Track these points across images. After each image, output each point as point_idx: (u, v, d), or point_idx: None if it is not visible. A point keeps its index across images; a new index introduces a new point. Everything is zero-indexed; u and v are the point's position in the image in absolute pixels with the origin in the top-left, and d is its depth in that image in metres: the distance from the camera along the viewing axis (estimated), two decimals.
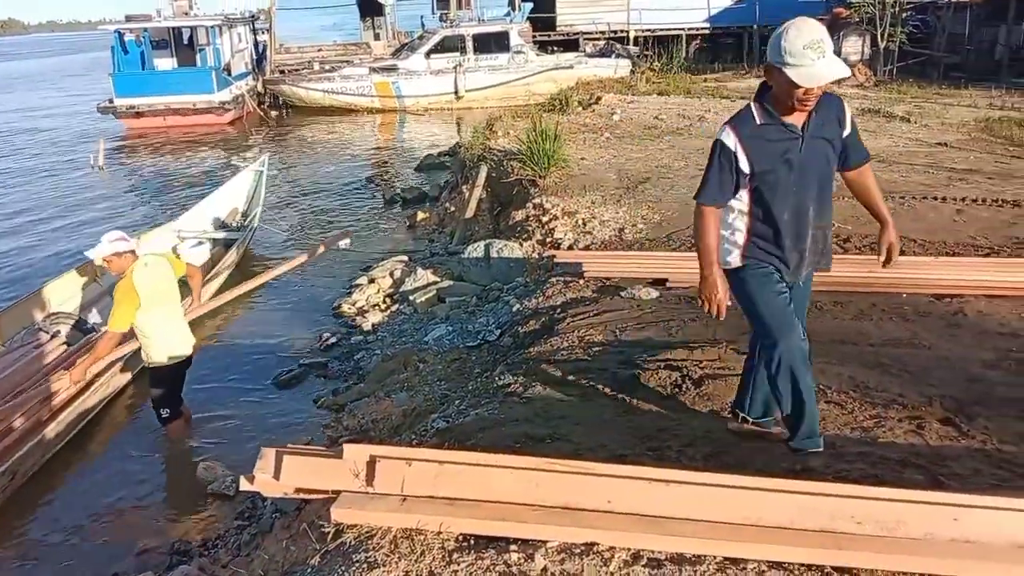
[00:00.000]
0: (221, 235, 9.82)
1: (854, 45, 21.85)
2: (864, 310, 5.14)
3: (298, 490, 2.96)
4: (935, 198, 7.88)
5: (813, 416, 3.22)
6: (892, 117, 13.25)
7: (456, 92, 22.95)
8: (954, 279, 5.60)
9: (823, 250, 3.29)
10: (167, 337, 5.54)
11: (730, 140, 3.03)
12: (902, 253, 6.21)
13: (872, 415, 3.67)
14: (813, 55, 2.80)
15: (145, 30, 23.74)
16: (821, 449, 3.26)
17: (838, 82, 19.96)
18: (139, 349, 5.74)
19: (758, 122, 3.02)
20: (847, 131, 3.13)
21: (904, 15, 21.32)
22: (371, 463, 2.91)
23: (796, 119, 2.99)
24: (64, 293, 7.45)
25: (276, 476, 2.95)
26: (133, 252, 5.44)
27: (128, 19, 24.22)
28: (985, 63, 20.70)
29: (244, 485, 3.08)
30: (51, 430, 5.47)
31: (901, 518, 2.36)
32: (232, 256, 9.05)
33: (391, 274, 8.67)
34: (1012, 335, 4.69)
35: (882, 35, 20.96)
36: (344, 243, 10.32)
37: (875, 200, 3.34)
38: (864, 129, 12.35)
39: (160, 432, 5.80)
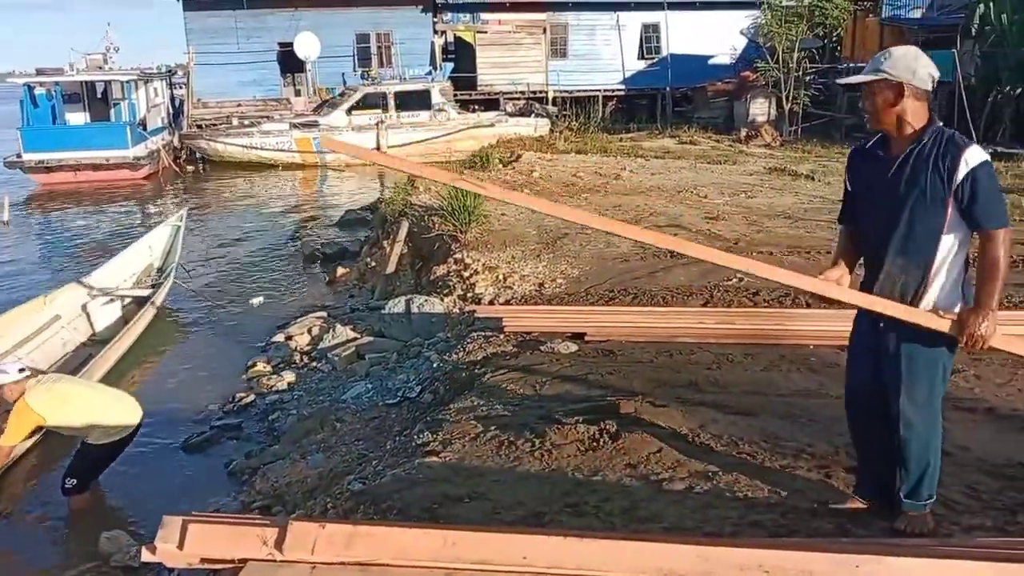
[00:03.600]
0: (134, 292, 9.52)
1: (761, 107, 22.96)
2: (774, 361, 5.29)
3: (203, 560, 2.84)
4: None
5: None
6: (797, 175, 13.87)
7: (378, 148, 23.02)
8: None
9: None
10: (101, 418, 5.38)
11: None
12: (808, 306, 6.50)
13: (783, 465, 3.75)
14: None
15: (57, 84, 23.15)
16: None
17: (746, 140, 20.79)
18: None
19: None
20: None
21: (807, 79, 22.51)
22: (282, 528, 2.82)
23: None
24: None
25: (180, 546, 2.82)
26: (22, 380, 5.25)
27: (39, 72, 23.61)
28: None
29: (146, 556, 2.93)
30: None
31: (807, 568, 2.40)
32: (147, 313, 8.76)
33: (309, 331, 8.52)
34: None
35: (787, 97, 22.07)
36: (256, 301, 10.15)
37: None
38: (771, 187, 12.96)
39: (60, 501, 5.50)
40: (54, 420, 5.25)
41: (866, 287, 2.98)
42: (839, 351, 5.44)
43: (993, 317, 2.73)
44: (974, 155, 2.71)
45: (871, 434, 3.15)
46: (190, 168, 23.48)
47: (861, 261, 3.13)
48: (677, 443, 4.00)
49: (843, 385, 4.82)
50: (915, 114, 2.81)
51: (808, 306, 6.51)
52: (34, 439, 6.05)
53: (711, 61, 29.78)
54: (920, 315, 2.85)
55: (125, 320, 8.77)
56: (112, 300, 9.13)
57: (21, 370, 5.29)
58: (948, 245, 2.80)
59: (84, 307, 8.73)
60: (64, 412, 5.29)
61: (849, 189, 3.17)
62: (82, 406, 5.39)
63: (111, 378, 7.35)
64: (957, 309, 2.86)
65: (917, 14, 25.32)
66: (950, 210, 2.75)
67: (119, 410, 5.54)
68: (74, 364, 7.76)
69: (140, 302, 9.23)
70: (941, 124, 2.85)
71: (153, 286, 9.75)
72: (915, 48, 2.93)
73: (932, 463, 2.98)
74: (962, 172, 2.70)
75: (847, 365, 3.28)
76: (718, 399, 4.61)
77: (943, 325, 2.82)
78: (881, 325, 2.96)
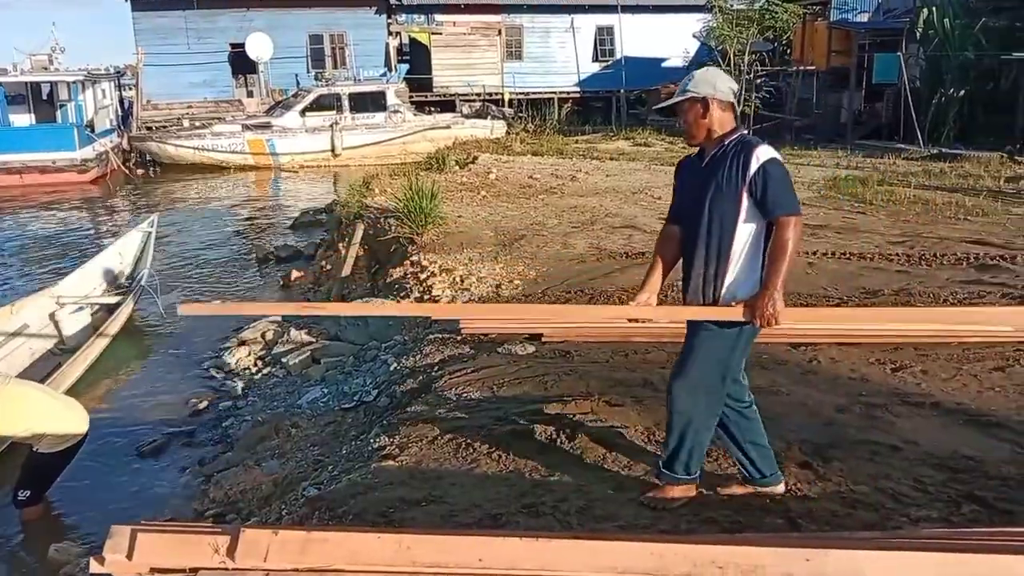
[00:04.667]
0: (104, 299, 9.27)
1: None
2: None
3: (153, 570, 2.79)
4: None
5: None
6: None
7: (332, 150, 22.82)
8: (809, 328, 5.92)
9: None
10: (49, 425, 5.19)
11: None
12: None
13: (734, 461, 3.79)
14: None
15: (0, 84, 22.56)
16: None
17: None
18: None
19: None
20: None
21: (758, 82, 22.87)
22: (234, 535, 2.78)
23: None
24: None
25: (129, 556, 2.77)
26: None
27: None
28: (832, 126, 22.38)
29: (94, 567, 2.87)
30: None
31: (759, 562, 2.44)
32: (116, 321, 8.53)
33: (263, 335, 8.40)
34: (862, 380, 5.00)
35: (738, 100, 22.35)
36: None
37: None
38: None
39: (10, 514, 5.35)
40: (5, 423, 5.06)
41: (684, 281, 3.29)
42: (790, 348, 5.56)
43: (779, 296, 2.99)
44: (764, 152, 3.03)
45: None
46: (140, 171, 23.02)
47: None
48: (632, 442, 4.03)
49: (795, 381, 4.93)
50: (722, 123, 3.16)
51: None
52: None
53: (665, 64, 30.12)
54: (716, 311, 3.15)
55: (95, 328, 8.53)
56: (81, 308, 8.89)
57: None
58: (745, 235, 3.09)
59: (52, 315, 8.47)
60: (15, 414, 5.09)
61: (675, 195, 3.50)
62: (34, 409, 5.20)
63: (79, 387, 7.20)
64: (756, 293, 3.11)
65: (864, 18, 25.92)
66: (745, 202, 3.04)
67: (70, 417, 5.38)
68: (43, 373, 7.52)
69: (110, 310, 8.99)
70: (744, 131, 3.20)
71: (122, 293, 9.50)
72: (715, 68, 3.36)
73: (690, 442, 3.25)
74: (754, 167, 3.00)
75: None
76: None
77: (737, 314, 3.07)
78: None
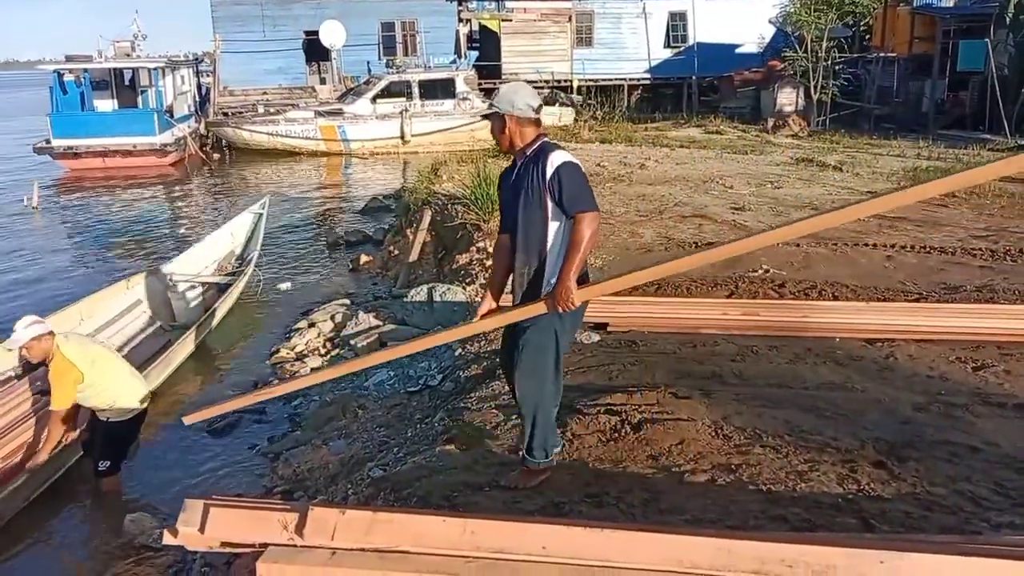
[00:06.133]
0: (215, 279, 9.49)
1: (788, 96, 22.68)
2: (799, 354, 5.23)
3: (224, 544, 2.86)
4: (866, 244, 8.12)
5: None
6: (825, 166, 13.69)
7: (402, 136, 23.03)
8: (885, 324, 5.74)
9: None
10: (122, 392, 5.38)
11: None
12: (835, 298, 6.43)
13: (807, 459, 3.71)
14: None
15: (85, 71, 23.38)
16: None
17: (773, 130, 20.61)
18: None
19: None
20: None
21: (836, 68, 22.21)
22: (302, 513, 2.83)
23: None
24: None
25: (201, 529, 2.84)
26: (51, 333, 5.27)
27: (68, 59, 23.84)
28: (913, 115, 21.61)
29: (167, 539, 2.97)
30: (17, 489, 5.14)
31: (831, 562, 2.37)
32: (227, 301, 8.74)
33: (332, 318, 8.55)
34: (941, 379, 4.82)
35: (815, 87, 21.77)
36: (285, 286, 10.19)
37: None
38: (798, 178, 12.80)
39: (86, 483, 5.56)
40: (90, 378, 5.22)
41: (512, 283, 3.55)
42: (866, 344, 5.40)
43: (572, 282, 3.25)
44: (558, 157, 3.31)
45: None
46: (216, 156, 23.61)
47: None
48: (699, 435, 3.96)
49: (870, 378, 4.79)
50: (522, 135, 3.44)
51: (835, 298, 6.45)
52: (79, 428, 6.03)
53: (738, 50, 29.46)
54: (527, 310, 3.41)
55: (205, 307, 8.76)
56: (193, 286, 9.07)
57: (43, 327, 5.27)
58: (554, 234, 3.36)
59: (165, 292, 8.71)
60: (97, 372, 5.26)
61: (500, 208, 3.77)
62: (110, 369, 5.39)
63: (189, 364, 7.50)
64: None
65: (950, 2, 24.86)
66: (549, 204, 3.32)
67: (137, 384, 5.55)
68: (154, 349, 7.77)
69: (221, 289, 9.19)
70: (546, 139, 3.46)
71: (233, 274, 9.70)
72: (517, 84, 3.62)
73: (542, 425, 3.50)
74: (550, 172, 3.28)
75: (501, 351, 3.84)
76: (742, 391, 4.56)
77: (543, 308, 3.35)
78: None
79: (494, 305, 3.63)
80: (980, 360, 5.07)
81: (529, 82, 23.51)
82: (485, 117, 3.58)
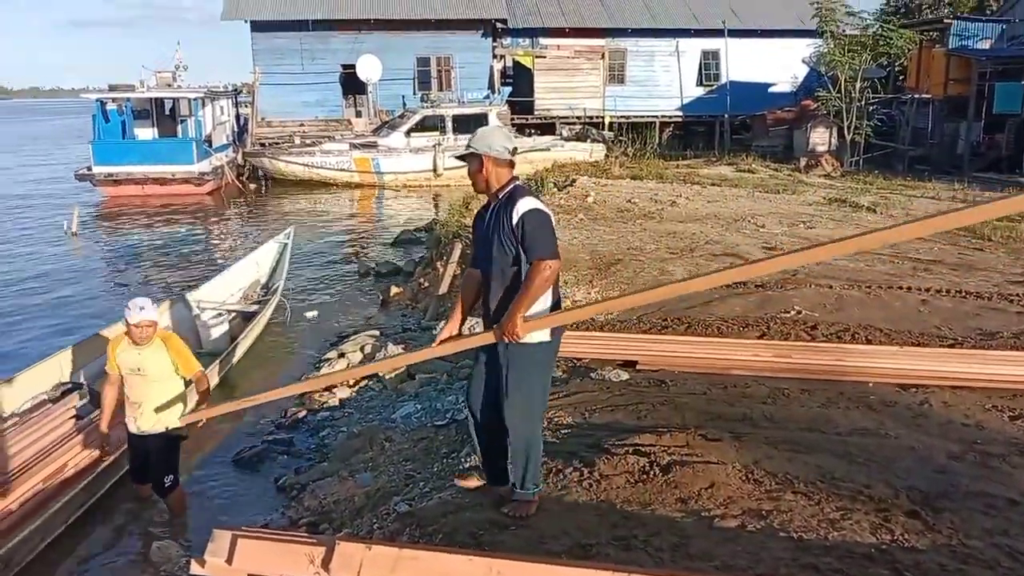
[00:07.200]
0: (242, 308, 9.61)
1: (821, 136, 22.61)
2: (832, 398, 5.16)
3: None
4: (900, 287, 8.03)
5: None
6: (858, 207, 13.60)
7: (434, 170, 23.27)
8: (920, 369, 5.65)
9: None
10: (183, 395, 5.42)
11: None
12: (868, 341, 6.35)
13: (839, 507, 3.64)
14: None
15: (127, 100, 23.95)
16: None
17: (806, 170, 20.53)
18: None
19: None
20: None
21: (870, 109, 22.12)
22: (329, 547, 2.83)
23: None
24: (73, 364, 7.10)
25: (229, 560, 2.85)
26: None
27: (111, 88, 24.44)
28: (948, 157, 21.43)
29: (195, 569, 2.98)
30: (53, 515, 5.13)
31: None
32: (255, 330, 8.84)
33: (362, 348, 8.60)
34: (977, 427, 4.72)
35: (849, 127, 21.69)
36: (311, 315, 10.27)
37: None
38: (831, 218, 12.72)
39: (117, 508, 5.60)
40: (187, 365, 5.31)
41: (484, 317, 3.76)
42: (899, 389, 5.32)
43: (520, 317, 3.43)
44: (524, 204, 3.47)
45: (490, 435, 3.81)
46: (252, 185, 24.01)
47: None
48: (730, 479, 3.91)
49: (904, 425, 4.71)
50: (498, 177, 3.62)
51: (868, 342, 6.37)
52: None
53: (771, 89, 29.52)
54: (480, 337, 3.68)
55: (231, 335, 8.85)
56: (219, 314, 9.17)
57: None
58: (523, 274, 3.51)
59: (192, 319, 8.82)
60: (191, 359, 5.36)
61: (473, 245, 3.95)
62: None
63: (216, 393, 7.49)
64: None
65: (986, 45, 24.75)
66: (518, 246, 3.50)
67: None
68: None
69: (246, 317, 9.29)
70: (518, 182, 3.64)
71: (259, 302, 9.82)
72: (496, 127, 3.89)
73: (534, 458, 3.65)
74: (515, 218, 3.46)
75: (468, 384, 3.98)
76: (773, 435, 4.51)
77: (490, 338, 3.58)
78: (495, 356, 3.64)
79: (455, 332, 3.83)
80: (1018, 409, 4.97)
81: (561, 118, 23.80)
82: (461, 158, 3.72)
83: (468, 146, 3.64)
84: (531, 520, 3.61)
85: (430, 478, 4.74)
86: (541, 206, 3.52)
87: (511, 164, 3.65)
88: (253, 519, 5.23)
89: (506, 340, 3.48)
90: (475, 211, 4.10)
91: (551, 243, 3.47)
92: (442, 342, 3.82)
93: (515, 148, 3.66)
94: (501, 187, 3.61)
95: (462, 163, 3.76)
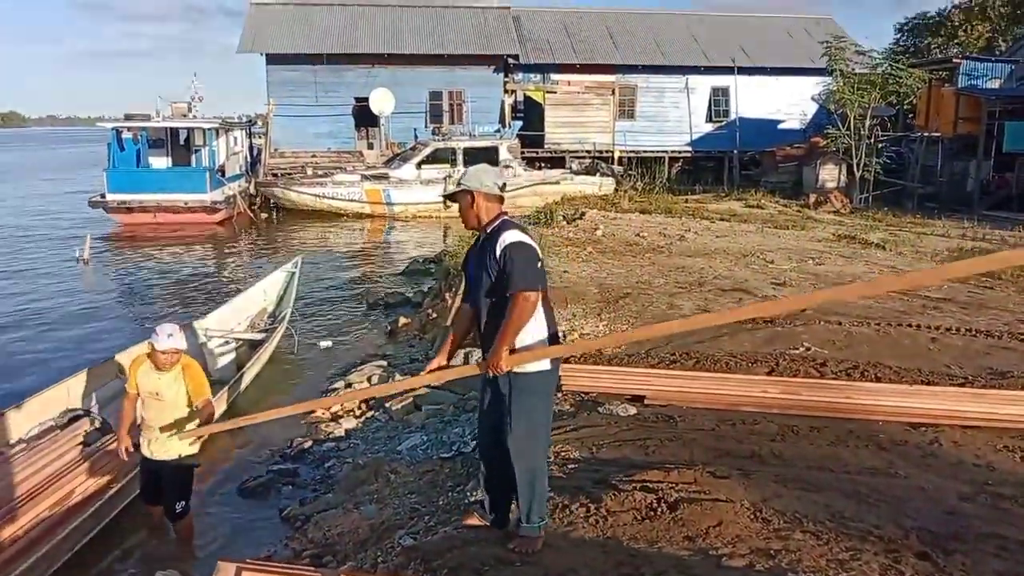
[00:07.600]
0: (249, 336, 9.65)
1: (830, 172, 22.69)
2: (840, 436, 5.13)
3: None
4: (910, 325, 7.99)
5: None
6: (867, 244, 13.59)
7: (444, 202, 23.37)
8: (930, 408, 5.61)
9: None
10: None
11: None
12: (878, 379, 6.31)
13: (848, 547, 3.60)
14: None
15: (143, 129, 24.21)
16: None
17: (815, 206, 20.57)
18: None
19: None
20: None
21: (879, 146, 22.19)
22: None
23: None
24: (81, 390, 7.09)
25: None
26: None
27: (127, 118, 24.72)
28: (957, 195, 21.43)
29: None
30: (59, 542, 5.07)
31: None
32: (262, 358, 8.84)
33: (368, 379, 8.59)
34: (988, 467, 4.68)
35: (858, 164, 21.75)
36: (324, 344, 10.29)
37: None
38: (840, 254, 12.72)
39: (122, 533, 5.58)
40: (200, 390, 5.35)
41: (482, 350, 3.75)
42: (909, 428, 5.27)
43: (505, 350, 3.50)
44: (508, 238, 3.56)
45: (493, 471, 3.86)
46: (264, 215, 24.15)
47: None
48: (738, 517, 3.87)
49: (914, 464, 4.67)
50: (488, 211, 3.73)
51: (878, 380, 6.33)
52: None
53: (780, 126, 29.68)
54: (467, 369, 4.02)
55: (238, 363, 8.86)
56: (226, 342, 9.20)
57: None
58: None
59: (201, 347, 8.80)
60: (205, 383, 5.42)
61: (464, 281, 4.00)
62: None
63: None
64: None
65: (995, 84, 24.86)
66: (500, 276, 3.56)
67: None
68: None
69: (253, 346, 9.30)
70: (507, 216, 3.74)
71: (266, 331, 9.84)
72: (484, 165, 3.96)
73: (540, 490, 3.70)
74: (499, 251, 3.54)
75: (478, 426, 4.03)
76: (782, 473, 4.47)
77: (475, 370, 3.74)
78: (497, 388, 3.69)
79: (444, 362, 3.96)
80: None
81: (571, 152, 24.01)
82: (450, 197, 3.85)
83: (459, 183, 3.76)
84: (537, 556, 3.58)
85: (435, 512, 4.71)
86: (525, 239, 3.58)
87: (500, 199, 3.76)
88: (257, 549, 5.19)
89: (490, 373, 3.55)
90: None
91: (531, 275, 3.51)
92: (431, 371, 3.94)
93: (504, 184, 3.77)
94: (490, 221, 3.70)
95: (452, 203, 3.85)
